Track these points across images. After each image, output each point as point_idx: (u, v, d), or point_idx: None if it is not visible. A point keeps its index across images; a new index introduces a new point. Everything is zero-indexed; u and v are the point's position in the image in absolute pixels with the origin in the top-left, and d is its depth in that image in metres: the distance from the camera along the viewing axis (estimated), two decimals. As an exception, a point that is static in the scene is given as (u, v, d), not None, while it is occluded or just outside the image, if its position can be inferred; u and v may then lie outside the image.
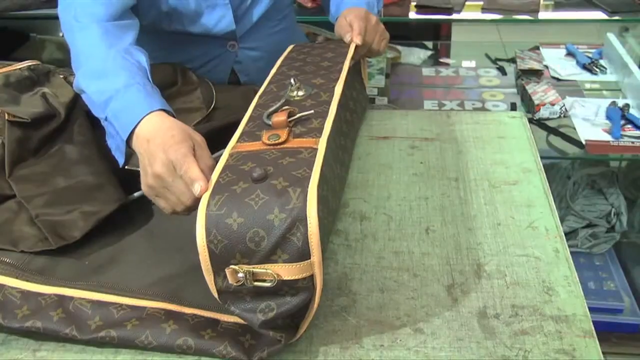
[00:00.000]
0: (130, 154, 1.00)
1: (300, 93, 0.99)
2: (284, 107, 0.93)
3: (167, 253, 0.95)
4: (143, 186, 0.93)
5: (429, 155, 1.18)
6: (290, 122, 0.90)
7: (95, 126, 1.14)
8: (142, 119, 0.95)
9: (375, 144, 1.22)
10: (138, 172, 0.94)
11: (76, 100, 1.18)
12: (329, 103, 0.95)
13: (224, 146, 0.89)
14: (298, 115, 0.91)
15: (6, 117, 1.11)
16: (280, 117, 0.90)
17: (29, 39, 2.47)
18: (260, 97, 1.02)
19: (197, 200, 0.82)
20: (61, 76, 1.25)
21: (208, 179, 0.83)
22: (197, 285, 0.83)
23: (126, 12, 1.15)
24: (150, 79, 1.04)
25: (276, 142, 0.86)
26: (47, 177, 1.07)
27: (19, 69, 1.23)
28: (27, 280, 0.88)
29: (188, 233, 0.79)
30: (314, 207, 0.74)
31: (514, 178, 1.12)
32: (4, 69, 1.22)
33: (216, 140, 1.00)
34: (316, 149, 0.83)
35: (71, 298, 0.86)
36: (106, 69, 1.04)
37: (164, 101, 0.99)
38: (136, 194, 1.05)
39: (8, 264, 0.91)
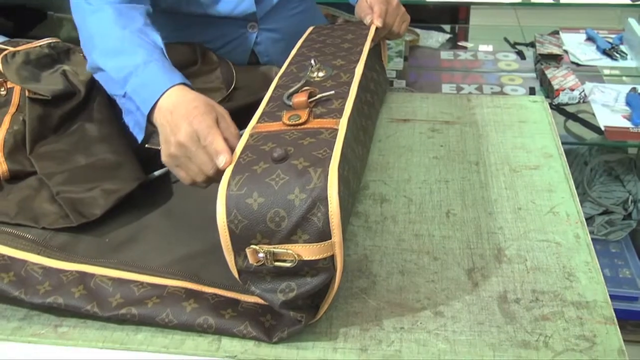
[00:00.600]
0: (150, 130, 1.00)
1: (321, 74, 0.99)
2: (304, 88, 0.93)
3: (187, 232, 0.96)
4: (163, 156, 0.93)
5: (449, 138, 1.18)
6: (310, 102, 0.90)
7: (114, 104, 1.14)
8: (164, 93, 0.95)
9: (396, 126, 1.22)
10: (157, 151, 0.94)
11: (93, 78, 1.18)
12: (349, 84, 0.95)
13: (244, 126, 0.88)
14: (319, 96, 0.91)
15: (27, 94, 1.11)
16: (300, 98, 0.89)
17: (46, 17, 2.47)
18: (280, 78, 1.02)
19: (219, 172, 0.82)
20: (81, 54, 1.25)
21: (233, 150, 0.83)
22: (218, 265, 0.83)
23: None
24: (167, 57, 1.04)
25: (297, 122, 0.85)
26: (68, 154, 1.07)
27: (39, 46, 1.22)
28: (49, 257, 0.89)
29: (208, 212, 0.79)
30: (334, 187, 0.74)
31: (535, 163, 1.11)
32: (24, 46, 1.22)
33: (236, 120, 0.99)
34: (337, 130, 0.83)
35: (92, 275, 0.87)
36: (123, 47, 1.04)
37: (183, 76, 0.99)
38: (156, 173, 1.06)
39: (30, 239, 0.92)
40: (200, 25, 1.35)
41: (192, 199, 1.00)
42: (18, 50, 1.19)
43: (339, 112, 0.87)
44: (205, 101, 0.93)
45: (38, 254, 0.89)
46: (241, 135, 0.87)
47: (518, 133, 1.19)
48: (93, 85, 1.17)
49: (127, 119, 1.04)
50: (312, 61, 1.01)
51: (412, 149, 1.15)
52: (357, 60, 1.03)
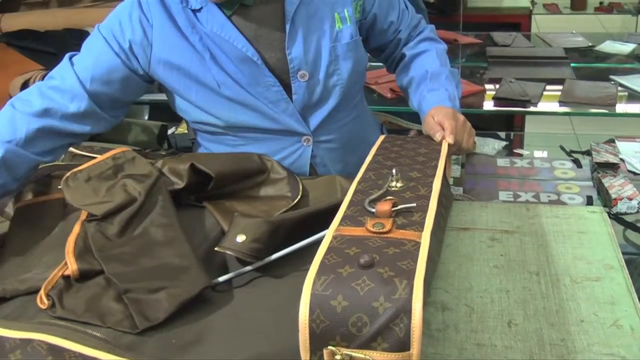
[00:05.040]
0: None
1: (399, 184, 1.03)
2: (387, 197, 0.96)
3: (253, 336, 0.97)
4: None
5: (509, 247, 1.19)
6: (393, 212, 0.93)
7: (178, 209, 1.19)
8: None
9: (456, 234, 1.23)
10: (225, 254, 0.98)
11: (157, 182, 1.23)
12: (428, 198, 0.98)
13: (310, 232, 0.92)
14: (401, 207, 0.94)
15: (81, 216, 1.18)
16: (384, 207, 0.93)
17: (115, 120, 2.59)
18: (359, 183, 1.06)
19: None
20: (146, 159, 1.31)
21: None
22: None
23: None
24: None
25: (380, 230, 0.88)
26: (134, 257, 1.10)
27: (103, 160, 1.29)
28: (119, 356, 0.91)
29: (274, 317, 0.81)
30: (419, 300, 0.75)
31: (596, 274, 1.11)
32: (89, 163, 1.29)
33: (302, 226, 1.03)
34: (419, 243, 0.86)
35: (160, 375, 0.89)
36: None
37: None
38: (221, 279, 1.08)
39: (100, 338, 0.94)
40: (259, 141, 1.41)
41: (257, 304, 1.02)
42: (81, 170, 1.26)
43: (420, 225, 0.90)
44: None
45: (109, 352, 0.91)
46: (321, 238, 0.90)
47: (578, 244, 1.20)
48: (156, 190, 1.22)
49: None
50: (394, 170, 1.04)
51: (473, 257, 1.16)
52: (434, 175, 1.07)
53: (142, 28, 1.32)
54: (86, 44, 1.37)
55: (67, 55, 1.37)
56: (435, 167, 1.11)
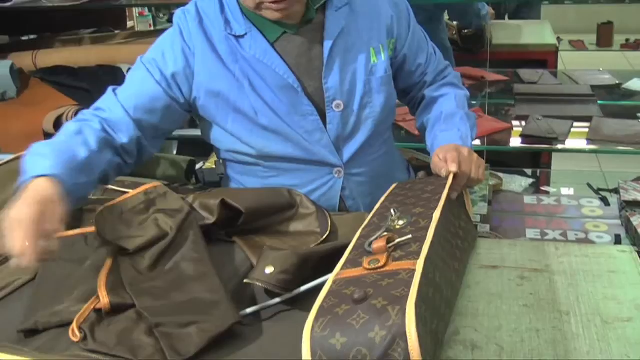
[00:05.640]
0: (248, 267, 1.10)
1: (401, 222, 1.05)
2: (383, 234, 0.98)
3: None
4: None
5: (539, 286, 1.18)
6: (389, 247, 0.95)
7: (209, 244, 1.21)
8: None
9: (485, 272, 1.23)
10: (252, 285, 1.02)
11: (188, 217, 1.25)
12: (427, 228, 1.00)
13: (331, 269, 0.94)
14: (397, 241, 0.96)
15: (113, 250, 1.20)
16: (379, 243, 0.96)
17: (145, 155, 2.63)
18: (363, 229, 1.09)
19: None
20: (177, 195, 1.32)
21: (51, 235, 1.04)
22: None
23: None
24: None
25: (376, 266, 0.91)
26: (165, 292, 1.12)
27: (136, 195, 1.31)
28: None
29: (299, 350, 0.82)
30: (412, 322, 0.77)
31: (627, 315, 1.10)
32: (122, 198, 1.31)
33: (332, 260, 1.04)
34: (414, 270, 0.87)
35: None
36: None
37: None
38: (249, 310, 1.09)
39: (131, 372, 0.95)
40: (290, 172, 1.43)
41: (284, 338, 1.02)
42: (114, 204, 1.28)
43: (416, 254, 0.92)
44: (49, 194, 1.11)
45: (141, 385, 0.92)
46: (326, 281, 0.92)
47: (608, 283, 1.19)
48: (187, 225, 1.24)
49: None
50: (392, 210, 1.07)
51: (502, 296, 1.16)
52: (436, 207, 1.08)
53: (185, 57, 1.36)
54: (129, 76, 1.41)
55: (109, 89, 1.41)
56: (439, 200, 1.12)
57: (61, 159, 1.20)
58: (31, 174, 1.16)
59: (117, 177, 1.45)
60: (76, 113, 2.22)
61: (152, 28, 4.56)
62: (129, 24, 3.57)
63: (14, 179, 1.51)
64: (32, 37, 2.94)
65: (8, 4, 2.19)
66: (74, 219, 1.40)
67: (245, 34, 1.35)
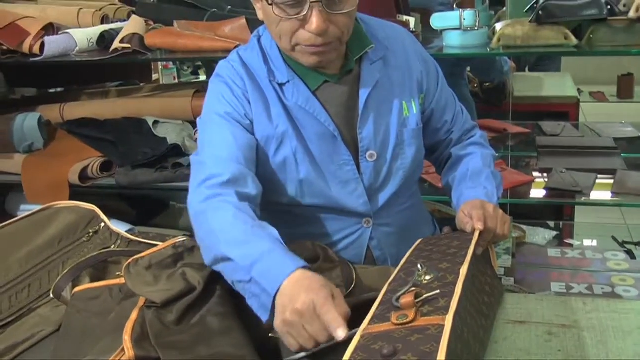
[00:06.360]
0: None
1: (428, 277, 1.05)
2: (410, 289, 0.98)
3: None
4: (277, 321, 1.03)
5: (567, 342, 1.16)
6: (417, 302, 0.95)
7: (235, 298, 1.20)
8: (289, 275, 1.06)
9: (512, 328, 1.21)
10: (277, 339, 1.04)
11: (216, 272, 1.25)
12: (454, 284, 0.99)
13: (359, 323, 0.93)
14: (425, 296, 0.96)
15: (139, 303, 1.20)
16: (407, 299, 0.96)
17: (168, 207, 2.65)
18: (390, 284, 1.09)
19: (329, 340, 0.96)
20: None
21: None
22: None
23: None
24: (285, 246, 1.16)
25: (404, 321, 0.91)
26: (191, 345, 1.11)
27: (164, 248, 1.32)
28: None
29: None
30: None
31: (659, 372, 1.08)
32: (150, 251, 1.31)
33: (356, 315, 1.03)
34: (443, 325, 0.87)
35: None
36: (247, 238, 1.16)
37: (303, 261, 1.11)
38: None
39: None
40: (320, 220, 1.43)
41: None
42: (142, 257, 1.29)
43: (445, 309, 0.91)
44: (323, 279, 1.06)
45: None
46: (354, 335, 0.91)
47: (638, 340, 1.17)
48: (214, 279, 1.24)
49: (251, 302, 1.12)
50: (419, 265, 1.07)
51: (530, 352, 1.14)
52: (462, 262, 1.08)
53: (248, 102, 1.36)
54: (213, 136, 1.35)
55: (196, 158, 1.34)
56: (465, 255, 1.12)
57: (282, 247, 1.16)
58: (284, 274, 1.08)
59: (141, 229, 1.46)
60: (101, 164, 2.25)
61: (176, 80, 4.62)
62: (154, 76, 3.62)
63: (39, 230, 1.54)
64: (59, 89, 3.00)
65: (38, 59, 2.23)
66: (99, 271, 1.41)
67: (288, 81, 1.36)
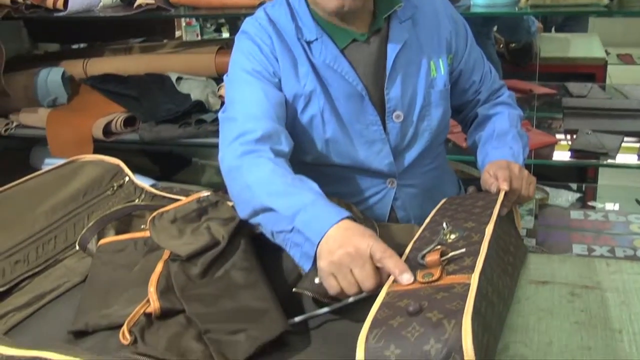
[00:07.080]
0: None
1: (453, 236, 1.05)
2: (436, 247, 0.98)
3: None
4: (323, 263, 1.02)
5: (590, 303, 1.16)
6: (443, 261, 0.95)
7: (261, 253, 1.22)
8: (335, 224, 1.05)
9: (535, 288, 1.21)
10: (300, 295, 1.05)
11: (240, 225, 1.26)
12: (480, 242, 0.99)
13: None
14: (450, 254, 0.96)
15: (164, 256, 1.21)
16: (433, 257, 0.96)
17: (191, 163, 2.66)
18: (414, 242, 1.09)
19: (375, 289, 0.95)
20: (230, 203, 1.33)
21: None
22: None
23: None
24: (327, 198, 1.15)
25: (430, 280, 0.91)
26: (215, 298, 1.12)
27: (189, 202, 1.32)
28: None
29: (348, 355, 0.83)
30: (469, 336, 0.76)
31: (683, 334, 1.07)
32: (175, 205, 1.32)
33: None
34: (469, 284, 0.87)
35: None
36: (289, 190, 1.15)
37: (348, 212, 1.09)
38: (297, 319, 1.09)
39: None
40: (344, 179, 1.43)
41: (331, 348, 1.02)
42: (167, 211, 1.30)
43: (471, 269, 0.91)
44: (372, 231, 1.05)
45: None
46: (378, 292, 0.93)
47: (662, 302, 1.16)
48: (238, 234, 1.24)
49: (293, 252, 1.12)
50: (444, 224, 1.06)
51: (552, 312, 1.14)
52: (488, 222, 1.07)
53: (276, 60, 1.35)
54: (243, 93, 1.34)
55: (224, 116, 1.34)
56: (490, 214, 1.11)
57: (324, 198, 1.15)
58: (330, 222, 1.07)
59: (164, 184, 1.47)
60: (124, 119, 2.26)
61: (199, 38, 4.60)
62: (177, 33, 3.61)
63: (64, 183, 1.56)
64: (82, 45, 3.00)
65: (62, 14, 2.23)
66: (124, 224, 1.42)
67: (316, 39, 1.35)
